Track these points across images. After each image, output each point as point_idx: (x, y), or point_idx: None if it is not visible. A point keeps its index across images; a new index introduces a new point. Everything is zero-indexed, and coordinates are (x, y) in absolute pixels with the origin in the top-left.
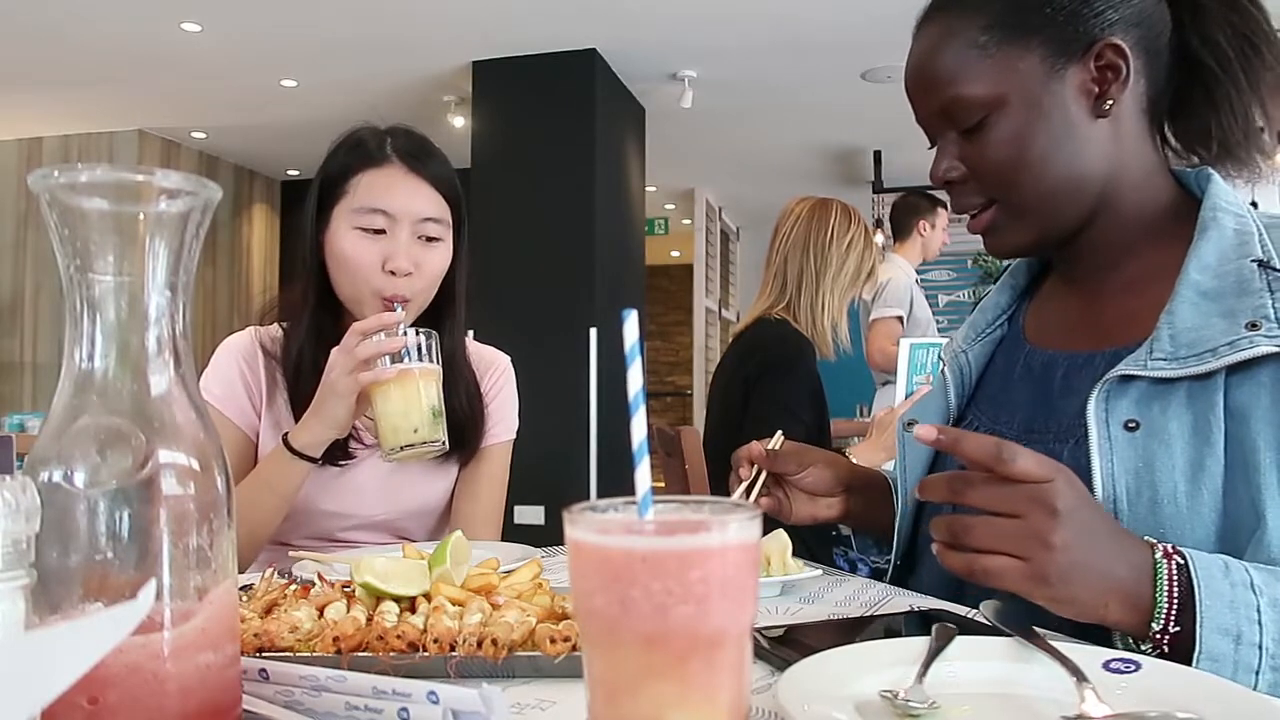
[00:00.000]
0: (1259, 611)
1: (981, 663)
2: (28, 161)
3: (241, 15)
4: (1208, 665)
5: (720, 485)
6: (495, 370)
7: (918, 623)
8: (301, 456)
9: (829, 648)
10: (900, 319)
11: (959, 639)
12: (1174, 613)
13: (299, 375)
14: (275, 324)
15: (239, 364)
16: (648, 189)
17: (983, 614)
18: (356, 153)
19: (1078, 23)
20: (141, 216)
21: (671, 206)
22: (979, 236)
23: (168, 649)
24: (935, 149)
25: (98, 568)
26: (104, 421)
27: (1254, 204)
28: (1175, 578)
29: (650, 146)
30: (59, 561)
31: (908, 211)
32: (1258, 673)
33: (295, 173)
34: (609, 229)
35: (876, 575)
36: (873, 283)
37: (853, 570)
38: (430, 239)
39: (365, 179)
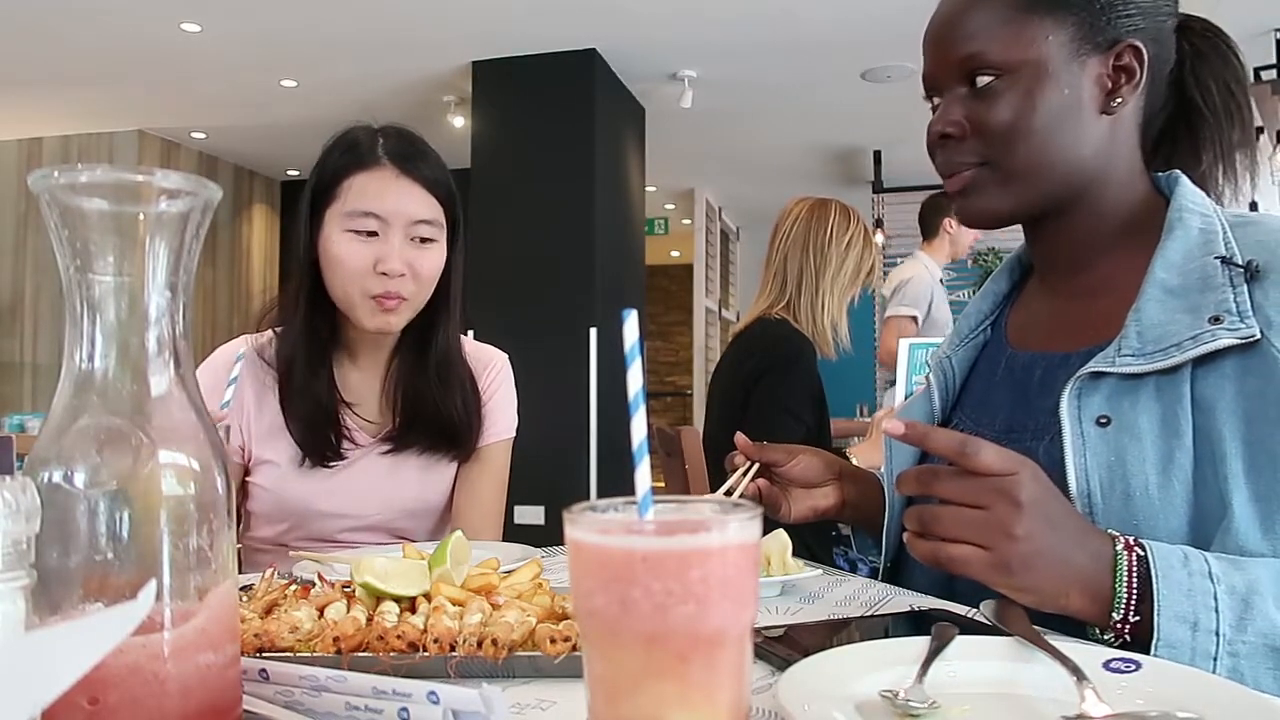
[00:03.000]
0: (1216, 599)
1: (981, 663)
2: (28, 161)
3: (241, 15)
4: (1166, 652)
5: (720, 486)
6: (492, 368)
7: (917, 623)
8: None
9: (829, 648)
10: (914, 319)
11: (959, 639)
12: (1133, 602)
13: (290, 379)
14: (271, 329)
15: (227, 378)
16: (648, 189)
17: (983, 614)
18: (348, 155)
19: (1110, 15)
20: (141, 217)
21: (671, 206)
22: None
23: (168, 649)
24: (939, 106)
25: (98, 568)
26: (104, 421)
27: (1254, 205)
28: (1135, 568)
29: (650, 146)
30: (59, 561)
31: (934, 210)
32: (1215, 658)
33: (295, 173)
34: (609, 229)
35: (876, 575)
36: (872, 281)
37: (853, 570)
38: (424, 240)
39: (357, 182)
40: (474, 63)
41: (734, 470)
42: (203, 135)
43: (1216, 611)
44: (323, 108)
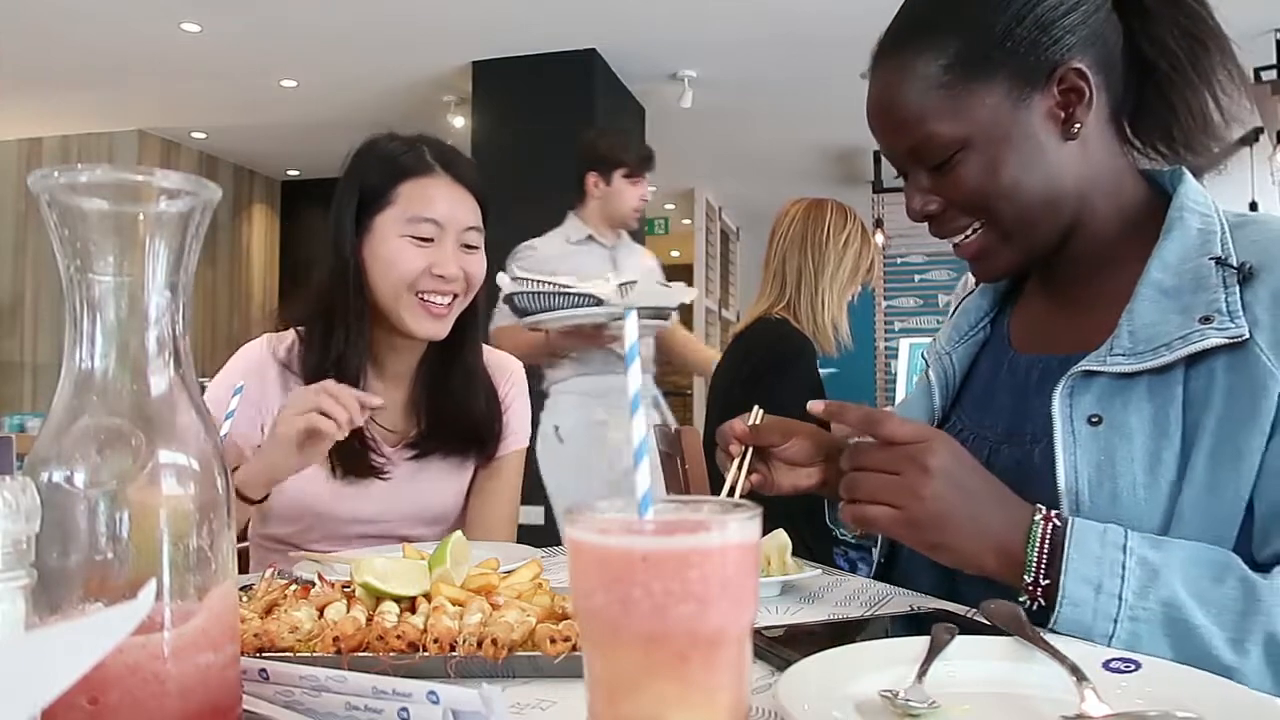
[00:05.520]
0: (1124, 567)
1: (981, 663)
2: (28, 161)
3: (241, 15)
4: (1069, 610)
5: (720, 485)
6: (510, 378)
7: (917, 623)
8: (239, 496)
9: (829, 648)
10: None
11: (959, 639)
12: (1043, 566)
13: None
14: (293, 329)
15: (245, 378)
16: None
17: (983, 614)
18: (396, 162)
19: (1038, 51)
20: (141, 217)
21: (671, 206)
22: (985, 282)
23: (168, 649)
24: (906, 182)
25: (98, 568)
26: (104, 421)
27: (1254, 204)
28: (1049, 536)
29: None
30: (59, 561)
31: None
32: (1116, 620)
33: (295, 173)
34: None
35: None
36: (871, 279)
37: (853, 570)
38: (471, 246)
39: (413, 188)
40: (474, 62)
41: (730, 457)
42: (203, 135)
43: (1122, 578)
44: (323, 108)
